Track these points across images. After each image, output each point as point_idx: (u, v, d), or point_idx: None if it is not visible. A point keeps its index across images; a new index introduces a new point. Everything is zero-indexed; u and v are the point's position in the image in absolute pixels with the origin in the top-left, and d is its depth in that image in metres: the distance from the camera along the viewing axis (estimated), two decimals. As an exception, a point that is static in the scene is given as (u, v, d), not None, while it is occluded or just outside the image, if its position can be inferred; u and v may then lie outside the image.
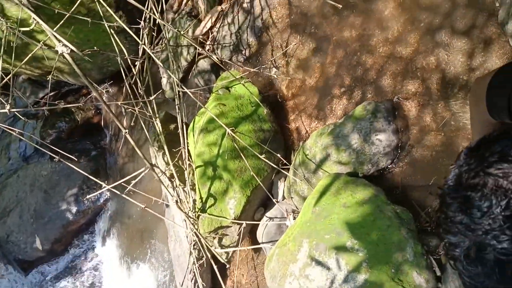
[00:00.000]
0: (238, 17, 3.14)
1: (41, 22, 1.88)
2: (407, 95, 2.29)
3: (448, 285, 1.84)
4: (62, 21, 2.18)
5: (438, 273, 1.91)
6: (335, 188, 2.21)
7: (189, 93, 2.53)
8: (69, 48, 1.71)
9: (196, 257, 2.70)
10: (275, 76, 2.86)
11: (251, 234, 2.69)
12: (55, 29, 1.75)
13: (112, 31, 2.60)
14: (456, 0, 2.18)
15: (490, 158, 0.64)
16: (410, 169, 2.22)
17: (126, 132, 1.92)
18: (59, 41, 1.69)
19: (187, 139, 2.80)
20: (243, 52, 3.09)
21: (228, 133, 2.33)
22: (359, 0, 2.56)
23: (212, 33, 3.35)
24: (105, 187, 2.05)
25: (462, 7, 2.14)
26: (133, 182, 2.46)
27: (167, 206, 3.16)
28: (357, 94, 2.52)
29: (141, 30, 2.98)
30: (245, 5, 3.11)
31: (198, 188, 2.62)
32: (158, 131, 2.88)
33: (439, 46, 2.19)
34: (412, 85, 2.27)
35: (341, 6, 2.53)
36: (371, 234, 1.98)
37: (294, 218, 2.48)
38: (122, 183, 2.11)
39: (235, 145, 2.45)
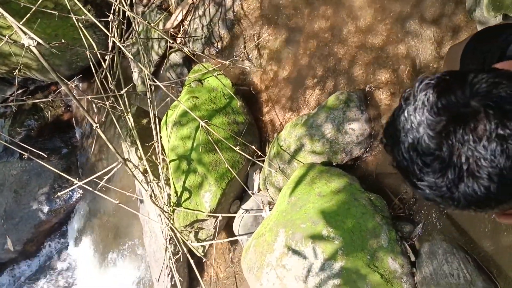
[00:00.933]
0: (209, 9, 3.12)
1: (6, 14, 1.82)
2: (378, 84, 2.32)
3: (422, 269, 1.87)
4: (28, 14, 2.12)
5: (413, 258, 1.94)
6: (310, 177, 2.22)
7: (161, 86, 2.50)
8: (35, 41, 1.66)
9: (172, 252, 2.67)
10: (248, 68, 2.85)
11: (227, 227, 2.68)
12: (21, 22, 1.70)
13: (81, 25, 2.54)
14: (424, -11, 2.21)
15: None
16: (383, 157, 2.24)
17: (97, 127, 1.88)
18: (25, 33, 1.65)
19: (160, 133, 2.77)
20: (215, 44, 3.07)
21: (201, 126, 2.32)
22: (330, -10, 2.57)
23: (183, 26, 3.31)
24: (76, 183, 2.01)
25: (430, -4, 2.18)
26: (106, 177, 2.42)
27: (142, 201, 3.13)
28: (330, 84, 2.53)
29: (111, 23, 2.93)
30: (216, -3, 3.09)
31: (173, 182, 2.59)
32: (131, 126, 2.84)
33: (409, 35, 2.22)
34: (384, 74, 2.29)
35: (312, -3, 2.54)
36: (346, 222, 2.00)
37: (270, 210, 2.48)
38: (95, 179, 2.07)
39: (209, 138, 2.43)
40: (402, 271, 1.89)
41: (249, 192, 2.53)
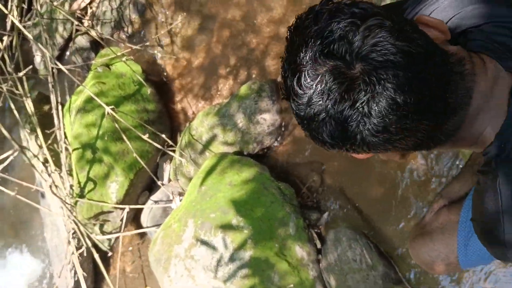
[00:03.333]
0: (119, -8, 2.97)
1: None
2: (290, 75, 2.34)
3: (327, 256, 1.92)
4: None
5: (319, 246, 1.98)
6: (221, 167, 2.19)
7: (64, 70, 2.34)
8: None
9: (75, 246, 2.53)
10: (160, 55, 2.76)
11: (135, 219, 2.58)
12: None
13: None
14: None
15: None
16: (293, 147, 2.27)
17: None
18: None
19: (63, 120, 2.60)
20: (125, 29, 2.94)
21: (108, 113, 2.20)
22: (244, -21, 2.56)
23: (91, 8, 3.13)
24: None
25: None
26: (0, 166, 2.23)
27: (43, 194, 2.93)
28: (243, 74, 2.52)
29: (9, 1, 2.71)
30: (127, -21, 2.95)
31: (76, 172, 2.44)
32: (30, 112, 2.64)
33: (320, 27, 2.27)
34: (295, 65, 2.32)
35: (226, -15, 2.51)
36: (256, 210, 1.99)
37: (181, 201, 2.42)
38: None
39: (117, 125, 2.31)
40: (308, 258, 1.93)
41: (159, 182, 2.45)
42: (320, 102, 0.63)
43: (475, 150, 0.86)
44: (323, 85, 0.62)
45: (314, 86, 0.63)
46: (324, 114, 0.63)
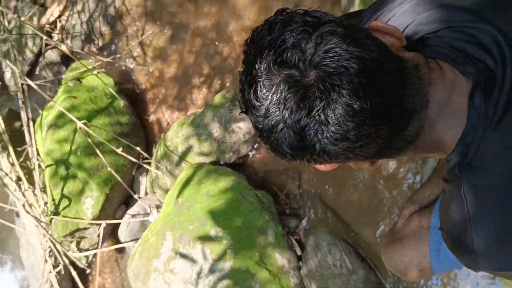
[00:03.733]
0: (88, 4, 2.94)
1: None
2: (264, 82, 2.33)
3: (308, 262, 1.91)
4: None
5: (299, 252, 1.97)
6: (198, 178, 2.17)
7: (34, 86, 2.29)
8: None
9: (52, 264, 2.46)
10: (132, 66, 2.73)
11: (113, 234, 2.54)
12: None
13: None
14: (304, -11, 2.27)
15: None
16: (270, 154, 2.26)
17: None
18: None
19: (34, 136, 2.54)
20: (96, 41, 2.90)
21: (80, 128, 2.16)
22: (214, -12, 2.55)
23: (60, 22, 3.09)
24: None
25: (310, -4, 2.24)
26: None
27: (17, 213, 2.86)
28: (216, 82, 2.50)
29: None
30: (96, -9, 2.92)
31: (50, 190, 2.39)
32: (1, 129, 2.58)
33: (291, 34, 2.27)
34: (268, 72, 2.32)
35: (196, -6, 2.50)
36: (235, 220, 1.98)
37: (158, 213, 2.39)
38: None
39: (89, 140, 2.27)
40: (289, 265, 1.92)
41: (135, 196, 2.41)
42: (277, 113, 0.62)
43: (440, 157, 0.85)
44: (278, 95, 0.61)
45: (270, 97, 0.62)
46: (282, 124, 0.62)
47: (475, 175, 0.71)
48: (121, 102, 2.49)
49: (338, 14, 2.12)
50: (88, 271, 2.53)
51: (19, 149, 2.50)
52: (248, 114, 0.67)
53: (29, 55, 3.16)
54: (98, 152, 2.26)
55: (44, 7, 3.17)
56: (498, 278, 1.56)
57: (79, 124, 2.13)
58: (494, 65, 0.70)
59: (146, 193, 2.52)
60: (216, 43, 2.53)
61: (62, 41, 3.00)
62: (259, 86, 0.63)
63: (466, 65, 0.72)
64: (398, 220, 1.35)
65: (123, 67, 2.77)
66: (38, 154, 2.53)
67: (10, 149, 2.53)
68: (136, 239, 2.39)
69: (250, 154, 2.30)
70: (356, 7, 1.79)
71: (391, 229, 1.40)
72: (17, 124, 2.79)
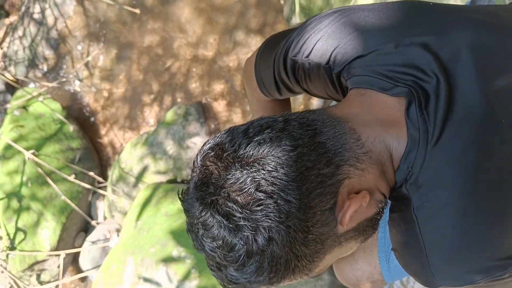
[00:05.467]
0: (29, 29, 2.85)
1: None
2: (215, 96, 2.32)
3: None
4: None
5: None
6: (156, 198, 2.14)
7: (-24, 118, 2.20)
8: None
9: (13, 301, 2.37)
10: (79, 89, 2.66)
11: (74, 262, 2.46)
12: None
13: None
14: (247, 0, 2.27)
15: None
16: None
17: None
18: None
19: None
20: (41, 66, 2.82)
21: (28, 158, 2.09)
22: (156, 3, 2.52)
23: (1, 48, 2.98)
24: None
25: (252, 6, 2.25)
26: None
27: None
28: (167, 99, 2.47)
29: None
30: (36, 16, 2.83)
31: (3, 224, 2.30)
32: None
33: (238, 45, 2.27)
34: (218, 85, 2.31)
35: (139, 12, 2.46)
36: (195, 238, 1.95)
37: (119, 237, 2.34)
38: None
39: (40, 170, 2.20)
40: (254, 278, 1.90)
41: (93, 222, 2.35)
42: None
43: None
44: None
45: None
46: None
47: (423, 194, 0.69)
48: (70, 127, 2.43)
49: (281, 22, 2.14)
50: (51, 304, 2.45)
51: (-34, 185, 2.39)
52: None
53: (-29, 85, 3.04)
54: (49, 181, 2.20)
55: (-18, 35, 3.06)
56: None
57: (27, 154, 2.06)
58: (426, 79, 0.69)
59: (105, 218, 2.46)
60: (163, 59, 2.50)
61: (5, 68, 2.90)
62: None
63: (395, 88, 0.70)
64: None
65: (71, 91, 2.70)
66: (-13, 188, 2.43)
67: (-43, 186, 2.42)
68: (98, 266, 2.33)
69: (207, 168, 2.28)
70: (297, 16, 1.80)
71: None
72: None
